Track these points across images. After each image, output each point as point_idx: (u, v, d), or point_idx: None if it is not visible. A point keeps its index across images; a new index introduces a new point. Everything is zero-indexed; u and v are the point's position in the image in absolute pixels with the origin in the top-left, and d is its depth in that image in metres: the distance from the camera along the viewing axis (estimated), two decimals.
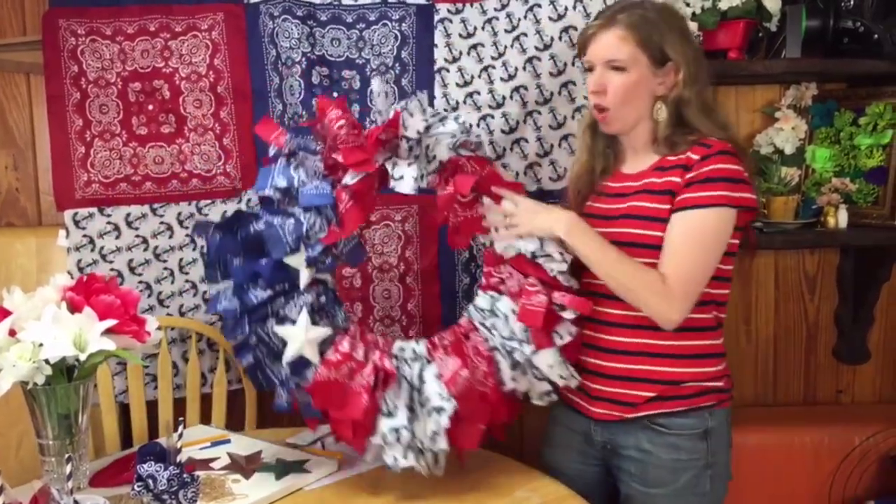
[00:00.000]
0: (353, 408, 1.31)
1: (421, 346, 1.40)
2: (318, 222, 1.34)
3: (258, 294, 1.34)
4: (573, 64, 1.90)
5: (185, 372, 1.96)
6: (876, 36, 1.85)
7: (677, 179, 1.36)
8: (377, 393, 1.32)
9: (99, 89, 1.96)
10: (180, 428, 1.21)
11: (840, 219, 2.00)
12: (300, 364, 1.33)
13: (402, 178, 1.37)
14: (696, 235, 1.33)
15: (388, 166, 1.39)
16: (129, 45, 1.96)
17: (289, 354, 1.31)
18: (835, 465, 2.05)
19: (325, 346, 1.35)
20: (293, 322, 1.32)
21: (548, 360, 1.36)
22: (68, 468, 1.05)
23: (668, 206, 1.36)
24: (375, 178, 1.40)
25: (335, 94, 2.00)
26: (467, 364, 1.35)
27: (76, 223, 1.96)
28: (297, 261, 1.33)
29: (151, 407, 1.93)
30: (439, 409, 1.32)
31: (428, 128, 1.39)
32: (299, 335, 1.31)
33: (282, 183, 1.36)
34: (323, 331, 1.34)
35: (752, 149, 2.14)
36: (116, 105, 1.97)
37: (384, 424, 1.32)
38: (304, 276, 1.34)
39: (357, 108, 2.00)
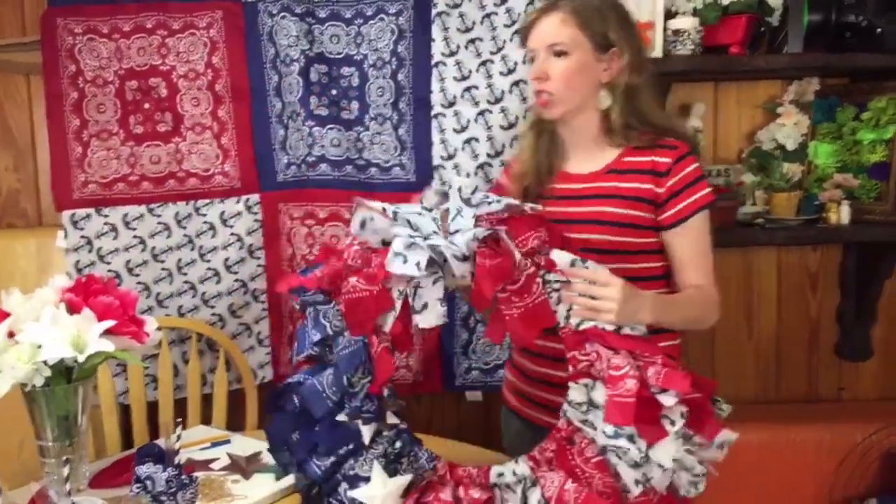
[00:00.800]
0: None
1: (522, 466, 1.21)
2: (360, 369, 1.19)
3: (321, 463, 1.22)
4: None
5: (186, 373, 1.96)
6: (879, 30, 1.85)
7: (649, 186, 1.35)
8: None
9: (96, 88, 1.96)
10: (178, 429, 1.20)
11: (842, 215, 1.99)
12: None
13: (424, 308, 1.18)
14: (704, 237, 1.38)
15: (409, 294, 1.19)
16: (125, 42, 1.96)
17: None
18: (836, 463, 2.04)
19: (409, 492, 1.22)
20: (367, 480, 1.19)
21: (670, 453, 1.12)
22: (66, 469, 1.05)
23: (649, 215, 1.37)
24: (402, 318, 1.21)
25: (334, 92, 2.00)
26: (576, 476, 1.16)
27: (74, 224, 1.96)
28: (342, 417, 1.20)
29: (152, 408, 1.93)
30: None
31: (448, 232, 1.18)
32: (377, 493, 1.17)
33: (316, 336, 1.22)
34: (403, 480, 1.20)
35: (754, 144, 2.14)
36: (114, 104, 1.97)
37: None
38: (366, 430, 1.20)
39: (356, 104, 2.00)
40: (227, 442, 1.60)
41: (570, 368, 1.21)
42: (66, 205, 1.96)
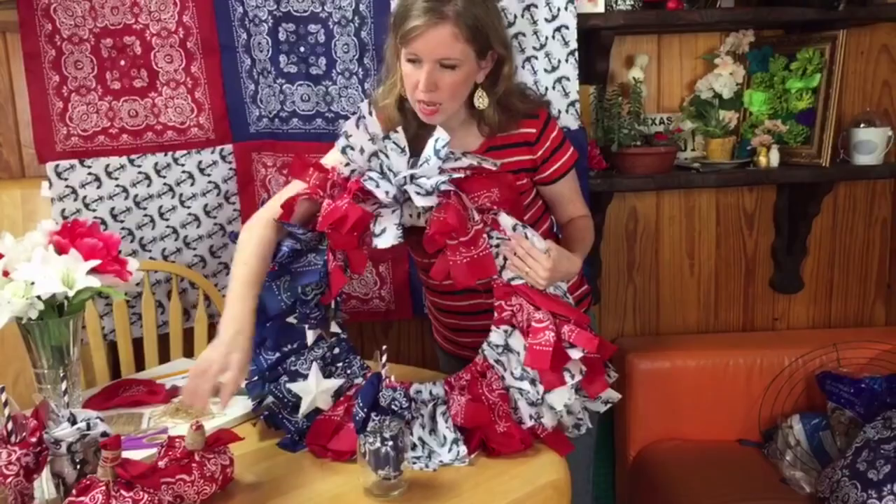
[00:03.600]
0: (341, 441, 1.35)
1: (438, 388, 1.39)
2: (315, 284, 1.39)
3: (267, 357, 1.40)
4: (522, 17, 2.00)
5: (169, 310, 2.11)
6: None
7: (527, 157, 1.51)
8: None
9: (73, 46, 2.05)
10: (384, 357, 1.30)
11: (772, 158, 2.13)
12: (315, 413, 1.40)
13: (383, 231, 1.33)
14: (576, 180, 1.61)
15: (371, 223, 1.35)
16: (98, 2, 2.03)
17: (304, 407, 1.38)
18: (766, 384, 2.23)
19: (339, 394, 1.42)
20: (305, 377, 1.39)
21: (562, 399, 1.30)
22: (64, 385, 1.20)
23: (527, 180, 1.54)
24: (359, 238, 1.37)
25: (301, 49, 2.10)
26: (479, 401, 1.34)
27: (58, 174, 2.07)
28: (292, 319, 1.39)
29: (137, 343, 2.08)
30: (455, 440, 1.32)
31: (413, 176, 1.32)
32: (311, 389, 1.37)
33: (286, 248, 1.41)
34: (335, 382, 1.40)
35: (694, 93, 2.27)
36: (91, 61, 2.07)
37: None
38: (310, 333, 1.40)
39: (324, 60, 2.10)
40: None
41: (496, 315, 1.36)
42: (49, 157, 2.06)
